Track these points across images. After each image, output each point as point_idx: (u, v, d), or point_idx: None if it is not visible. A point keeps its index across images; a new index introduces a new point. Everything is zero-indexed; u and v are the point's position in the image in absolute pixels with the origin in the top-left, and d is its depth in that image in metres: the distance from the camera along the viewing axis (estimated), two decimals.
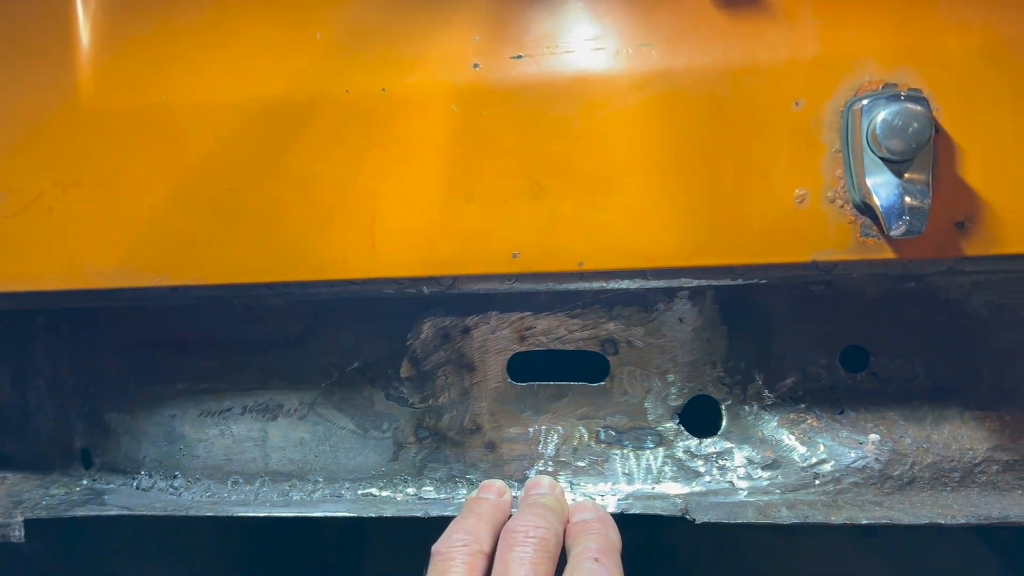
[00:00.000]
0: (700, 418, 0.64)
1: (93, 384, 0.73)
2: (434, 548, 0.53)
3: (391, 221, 0.59)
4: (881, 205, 0.51)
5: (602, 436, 0.64)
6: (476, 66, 0.57)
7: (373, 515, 0.63)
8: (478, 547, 0.52)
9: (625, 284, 0.61)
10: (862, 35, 0.54)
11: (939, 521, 0.58)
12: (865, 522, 0.58)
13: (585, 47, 0.57)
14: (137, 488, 0.71)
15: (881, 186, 0.51)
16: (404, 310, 0.66)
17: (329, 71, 0.59)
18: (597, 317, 0.64)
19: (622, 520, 0.61)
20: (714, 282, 0.59)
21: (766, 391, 0.63)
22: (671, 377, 0.64)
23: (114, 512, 0.67)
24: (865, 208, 0.53)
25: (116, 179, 0.61)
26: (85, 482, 0.73)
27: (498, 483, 0.61)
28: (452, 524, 0.55)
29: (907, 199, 0.51)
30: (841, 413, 0.63)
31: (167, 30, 0.61)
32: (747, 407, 0.64)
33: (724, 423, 0.64)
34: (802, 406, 0.63)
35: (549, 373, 0.66)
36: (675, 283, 0.60)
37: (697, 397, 0.64)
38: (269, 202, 0.60)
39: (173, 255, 0.61)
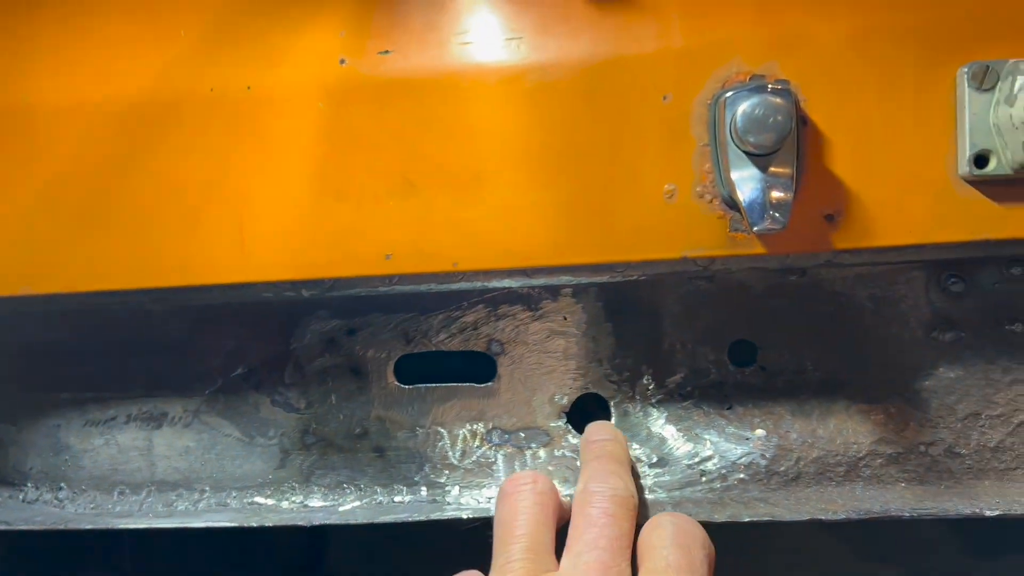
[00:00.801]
0: (588, 416, 0.63)
1: None
2: (504, 482, 0.55)
3: (260, 223, 0.57)
4: (744, 200, 0.50)
5: (489, 437, 0.63)
6: (342, 62, 0.56)
7: (256, 524, 0.62)
8: (546, 486, 0.53)
9: (507, 283, 0.60)
10: (730, 27, 0.53)
11: (820, 517, 0.57)
12: (748, 519, 0.58)
13: (454, 41, 0.55)
14: (23, 501, 0.69)
15: (745, 180, 0.50)
16: (287, 313, 0.65)
17: (193, 69, 0.57)
18: (482, 316, 0.63)
19: None
20: (595, 279, 0.58)
21: (653, 387, 0.62)
22: (558, 376, 0.63)
23: None
24: (733, 203, 0.52)
25: None
26: None
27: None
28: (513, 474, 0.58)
29: (772, 193, 0.50)
30: (729, 408, 0.62)
31: (24, 28, 0.59)
32: (635, 404, 0.63)
33: (612, 420, 0.63)
34: (689, 402, 0.62)
35: (437, 374, 0.65)
36: (556, 281, 0.59)
37: (585, 395, 0.63)
38: (135, 205, 0.58)
39: (38, 262, 0.59)
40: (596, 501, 0.50)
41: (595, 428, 0.61)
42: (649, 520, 0.52)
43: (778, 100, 0.49)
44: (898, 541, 1.30)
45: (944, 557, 1.27)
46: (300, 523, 0.61)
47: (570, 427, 0.63)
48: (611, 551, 0.47)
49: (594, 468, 0.54)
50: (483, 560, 0.51)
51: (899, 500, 0.58)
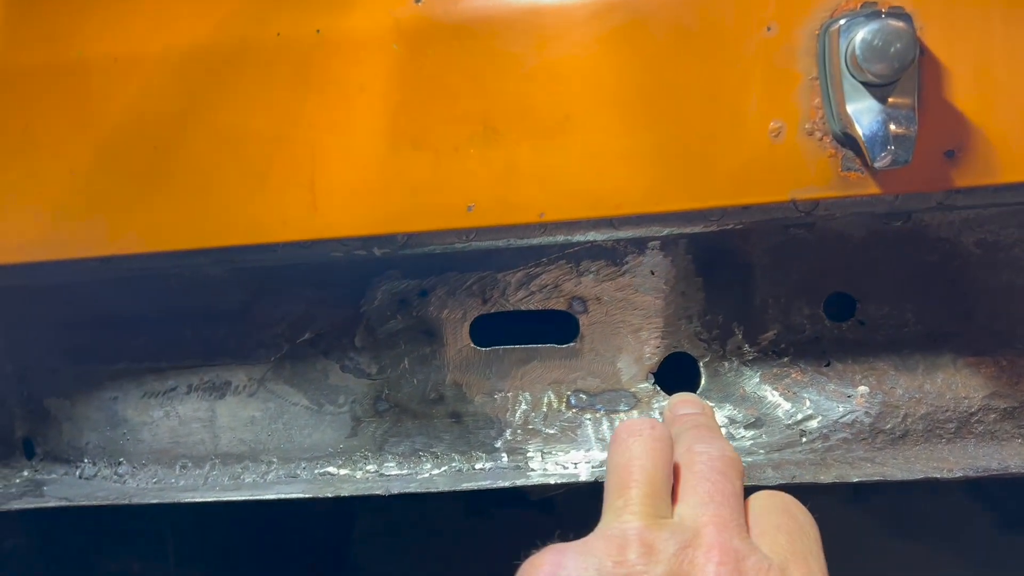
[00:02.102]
0: (677, 377, 0.60)
1: (29, 368, 0.68)
2: (618, 428, 0.49)
3: (332, 175, 0.54)
4: (863, 134, 0.46)
5: (573, 401, 0.60)
6: (418, 0, 0.52)
7: (330, 495, 0.59)
8: (664, 432, 0.48)
9: (591, 236, 0.56)
10: None
11: (934, 475, 0.54)
12: (856, 479, 0.55)
13: None
14: (80, 477, 0.66)
15: (863, 113, 0.47)
16: (356, 274, 0.62)
17: (258, 13, 0.54)
18: (564, 273, 0.59)
19: (598, 489, 0.57)
20: (687, 230, 0.55)
21: (746, 345, 0.59)
22: (645, 334, 0.59)
23: (52, 504, 0.63)
24: (846, 139, 0.49)
25: (32, 144, 0.56)
26: (26, 473, 0.69)
27: None
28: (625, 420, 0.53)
29: (892, 126, 0.46)
30: (827, 365, 0.59)
31: None
32: (727, 363, 0.59)
33: (703, 381, 0.60)
34: (785, 359, 0.59)
35: (515, 335, 0.61)
36: (645, 232, 0.55)
37: (673, 355, 0.60)
38: (199, 160, 0.55)
39: (99, 223, 0.56)
40: (705, 460, 0.47)
41: (681, 402, 0.57)
42: (750, 496, 0.49)
43: (900, 24, 0.45)
44: (929, 516, 1.27)
45: (976, 532, 1.25)
46: (378, 492, 0.58)
47: (658, 388, 0.60)
48: (728, 507, 0.44)
49: (694, 435, 0.51)
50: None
51: (1017, 456, 0.55)
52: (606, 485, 0.46)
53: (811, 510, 0.47)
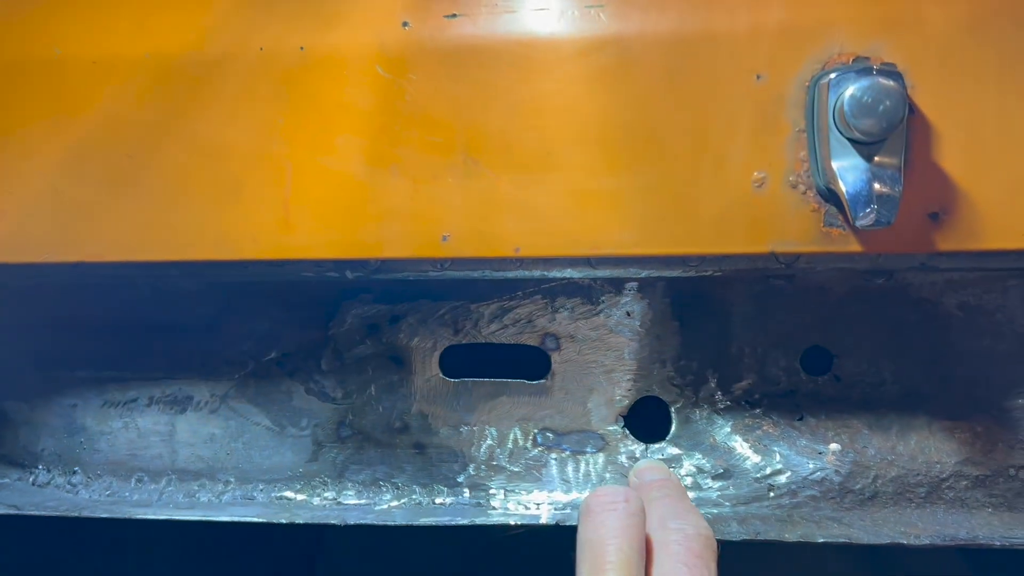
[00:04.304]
0: (647, 421, 0.59)
1: None
2: (589, 498, 0.47)
3: (307, 196, 0.52)
4: (847, 191, 0.45)
5: (540, 439, 0.59)
6: (405, 24, 0.51)
7: (285, 521, 0.57)
8: (638, 507, 0.46)
9: (568, 273, 0.55)
10: (832, 2, 0.49)
11: (901, 541, 0.53)
12: (821, 540, 0.53)
13: (527, 6, 0.51)
14: (33, 484, 0.65)
15: (848, 170, 0.46)
16: (327, 296, 0.60)
17: (241, 26, 0.53)
18: (538, 308, 0.58)
19: (558, 532, 0.55)
20: (665, 273, 0.54)
21: (719, 393, 0.58)
22: (617, 376, 0.58)
23: (1, 511, 0.61)
24: (830, 194, 0.48)
25: (3, 143, 0.55)
26: None
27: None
28: (598, 489, 0.49)
29: (876, 185, 0.45)
30: (800, 419, 0.57)
31: None
32: (698, 410, 0.58)
33: (673, 427, 0.58)
34: (758, 411, 0.58)
35: (485, 369, 0.60)
36: (623, 273, 0.54)
37: (644, 398, 0.59)
38: (173, 171, 0.53)
39: (67, 228, 0.55)
40: (680, 540, 0.45)
41: (648, 468, 0.54)
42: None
43: (890, 83, 0.45)
44: (905, 562, 1.26)
45: None
46: (333, 521, 0.57)
47: (628, 432, 0.58)
48: None
49: (666, 505, 0.49)
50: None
51: (986, 527, 0.54)
52: (578, 560, 0.44)
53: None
